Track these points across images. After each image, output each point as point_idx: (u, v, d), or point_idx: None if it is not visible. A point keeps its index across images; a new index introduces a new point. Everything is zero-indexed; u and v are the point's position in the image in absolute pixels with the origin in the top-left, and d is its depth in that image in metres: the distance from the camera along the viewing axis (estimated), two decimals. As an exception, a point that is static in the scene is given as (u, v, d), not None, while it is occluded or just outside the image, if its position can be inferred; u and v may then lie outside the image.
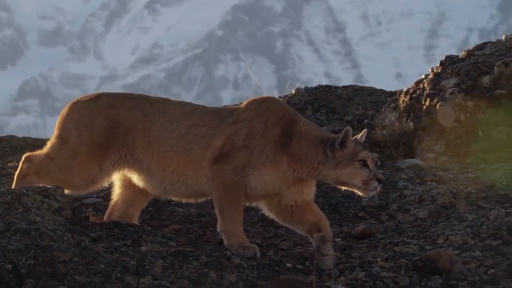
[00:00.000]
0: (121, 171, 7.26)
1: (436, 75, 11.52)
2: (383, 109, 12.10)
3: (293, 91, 13.91)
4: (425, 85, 11.45)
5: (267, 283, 6.44)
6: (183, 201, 7.55)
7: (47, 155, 7.24)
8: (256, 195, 7.09)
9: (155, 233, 7.04)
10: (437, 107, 10.86)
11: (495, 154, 10.24)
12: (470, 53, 11.72)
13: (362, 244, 7.62)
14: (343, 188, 7.23)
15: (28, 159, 7.34)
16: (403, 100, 11.62)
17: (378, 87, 14.77)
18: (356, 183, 6.94)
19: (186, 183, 7.12)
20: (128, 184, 7.40)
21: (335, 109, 13.32)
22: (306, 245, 7.41)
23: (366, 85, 15.37)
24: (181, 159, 7.08)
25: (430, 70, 11.81)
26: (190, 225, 8.04)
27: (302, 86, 14.24)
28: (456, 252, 7.35)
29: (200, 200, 7.48)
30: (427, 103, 11.10)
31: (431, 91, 11.24)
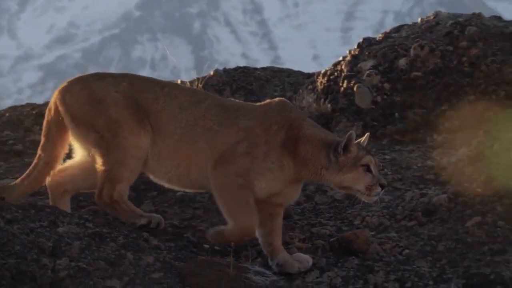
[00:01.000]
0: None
1: (354, 57, 11.59)
2: (301, 91, 12.13)
3: (211, 72, 13.84)
4: (343, 67, 11.51)
5: (184, 264, 6.41)
6: (183, 191, 7.52)
7: (103, 151, 6.95)
8: (261, 198, 6.91)
9: (72, 215, 6.92)
10: (355, 88, 10.93)
11: (411, 136, 10.37)
12: (387, 35, 11.82)
13: (280, 225, 7.61)
14: (344, 192, 7.23)
15: (99, 193, 6.99)
16: (321, 82, 11.66)
17: (295, 68, 14.80)
18: (359, 189, 6.84)
19: (190, 177, 7.00)
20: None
21: (253, 90, 13.30)
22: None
23: (284, 66, 15.38)
24: (187, 151, 6.95)
25: (347, 52, 11.87)
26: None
27: (220, 67, 14.19)
28: (372, 233, 7.45)
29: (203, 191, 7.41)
30: (345, 84, 11.17)
31: (348, 73, 11.30)
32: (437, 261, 7.04)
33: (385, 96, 10.87)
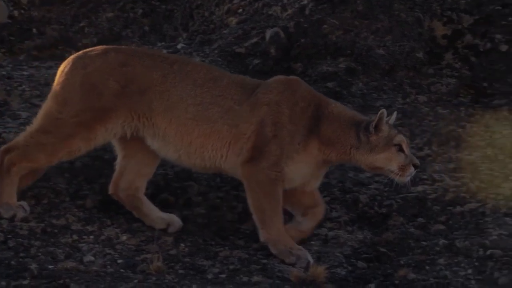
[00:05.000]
0: (130, 134, 6.65)
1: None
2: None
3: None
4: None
5: None
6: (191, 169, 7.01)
7: (40, 130, 6.53)
8: (294, 185, 6.61)
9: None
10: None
11: (49, 52, 10.25)
12: None
13: None
14: (375, 172, 6.99)
15: (6, 150, 6.57)
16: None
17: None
18: (392, 169, 6.63)
19: (203, 156, 6.63)
20: (133, 151, 6.77)
21: None
22: None
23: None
24: (203, 129, 6.59)
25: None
26: None
27: None
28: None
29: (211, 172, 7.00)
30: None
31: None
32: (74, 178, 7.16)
33: (22, 11, 10.60)
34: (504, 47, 9.31)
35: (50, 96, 6.68)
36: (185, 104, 6.61)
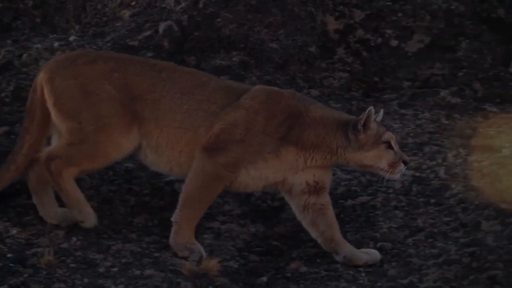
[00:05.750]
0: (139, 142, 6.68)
1: None
2: None
3: None
4: None
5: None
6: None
7: (71, 144, 6.57)
8: (247, 188, 6.59)
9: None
10: None
11: None
12: None
13: None
14: (364, 171, 6.93)
15: (50, 158, 6.56)
16: None
17: None
18: (382, 167, 6.58)
19: (192, 165, 6.59)
20: None
21: None
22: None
23: None
24: (188, 137, 6.61)
25: None
26: None
27: None
28: None
29: None
30: None
31: None
32: None
33: None
34: (394, 42, 9.50)
35: (57, 114, 6.67)
36: (173, 113, 6.63)
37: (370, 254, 6.74)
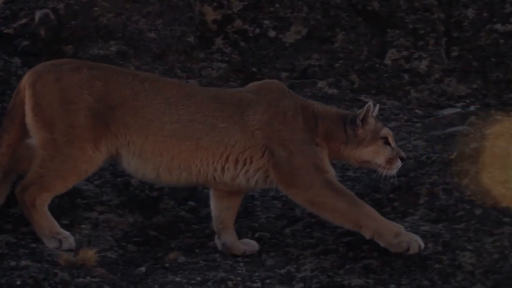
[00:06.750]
0: (114, 153, 6.55)
1: None
2: None
3: None
4: None
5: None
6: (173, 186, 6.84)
7: (46, 158, 6.44)
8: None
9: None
10: None
11: None
12: None
13: None
14: (362, 167, 6.93)
15: (23, 189, 6.48)
16: None
17: None
18: (379, 163, 6.59)
19: (190, 170, 6.50)
20: None
21: None
22: None
23: None
24: (186, 146, 6.48)
25: None
26: None
27: None
28: None
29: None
30: None
31: None
32: None
33: None
34: (272, 33, 9.61)
35: (34, 120, 6.53)
36: (160, 122, 6.51)
37: (249, 244, 6.80)
